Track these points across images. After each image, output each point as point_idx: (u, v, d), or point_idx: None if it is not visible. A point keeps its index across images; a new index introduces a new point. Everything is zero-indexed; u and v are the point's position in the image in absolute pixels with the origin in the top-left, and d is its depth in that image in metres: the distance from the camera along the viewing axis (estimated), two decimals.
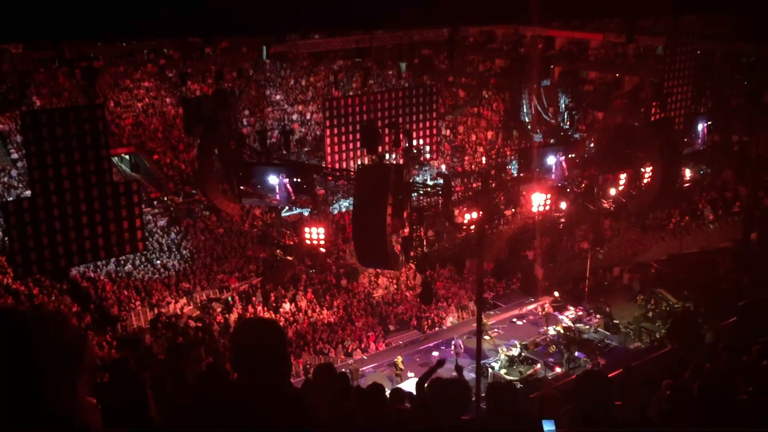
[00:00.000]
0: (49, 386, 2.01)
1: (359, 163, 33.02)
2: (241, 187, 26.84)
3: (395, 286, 33.04)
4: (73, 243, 21.48)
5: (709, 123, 32.21)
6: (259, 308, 29.88)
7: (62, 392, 2.02)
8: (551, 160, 27.80)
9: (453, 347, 29.01)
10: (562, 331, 29.46)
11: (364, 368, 27.34)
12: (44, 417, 2.01)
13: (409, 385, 24.30)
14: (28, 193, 25.50)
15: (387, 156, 35.21)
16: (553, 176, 27.77)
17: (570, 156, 28.05)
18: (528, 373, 26.53)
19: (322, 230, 26.95)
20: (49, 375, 2.01)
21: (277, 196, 26.37)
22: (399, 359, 27.35)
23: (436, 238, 28.68)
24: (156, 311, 28.65)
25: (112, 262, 29.58)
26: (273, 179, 26.14)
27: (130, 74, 39.96)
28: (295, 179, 25.84)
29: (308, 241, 27.18)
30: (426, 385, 5.61)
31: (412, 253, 25.40)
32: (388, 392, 9.92)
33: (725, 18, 35.87)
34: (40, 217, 20.78)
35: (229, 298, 30.19)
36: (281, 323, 28.98)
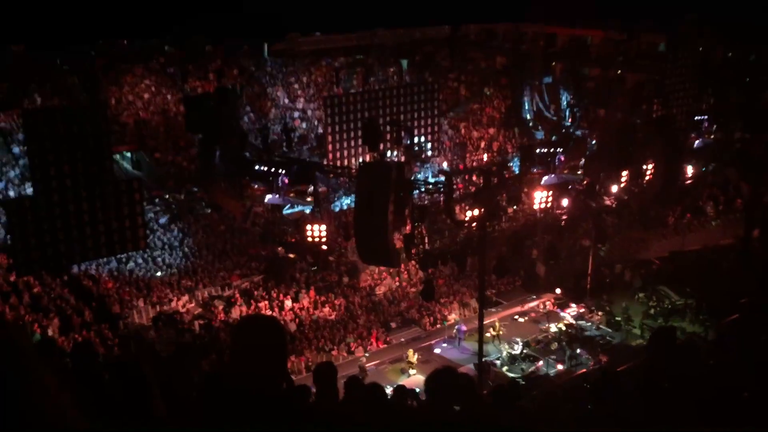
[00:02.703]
0: None
1: (361, 160, 33.05)
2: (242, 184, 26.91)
3: (397, 283, 33.07)
4: (75, 241, 21.53)
5: (705, 117, 32.07)
6: (262, 305, 29.92)
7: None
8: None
9: (455, 332, 29.28)
10: (564, 328, 29.48)
11: (368, 365, 27.39)
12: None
13: (413, 382, 24.39)
14: (30, 191, 25.54)
15: (388, 153, 35.24)
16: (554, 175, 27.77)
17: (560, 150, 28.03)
18: (530, 370, 26.55)
19: (323, 228, 26.96)
20: None
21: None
22: (411, 352, 27.45)
23: (436, 235, 28.73)
24: (158, 309, 28.69)
25: (114, 259, 29.61)
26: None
27: (132, 72, 39.94)
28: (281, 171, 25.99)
29: (310, 239, 27.20)
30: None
31: (413, 251, 25.40)
32: (390, 390, 9.93)
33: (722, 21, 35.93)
34: (42, 215, 20.82)
35: (231, 296, 30.23)
36: (285, 320, 29.07)
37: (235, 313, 29.17)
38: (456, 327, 29.64)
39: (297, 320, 29.73)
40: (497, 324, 29.50)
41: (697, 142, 32.77)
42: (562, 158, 27.75)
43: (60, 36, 36.90)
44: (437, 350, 29.00)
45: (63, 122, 20.79)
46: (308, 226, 27.25)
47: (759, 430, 5.40)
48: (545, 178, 27.71)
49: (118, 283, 29.48)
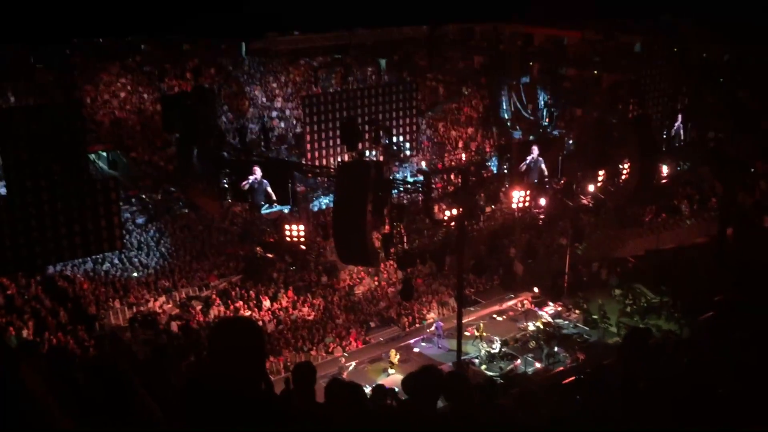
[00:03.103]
0: None
1: (339, 160, 33.00)
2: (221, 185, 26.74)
3: (376, 282, 33.08)
4: (50, 241, 21.27)
5: (681, 118, 32.50)
6: (240, 305, 29.77)
7: None
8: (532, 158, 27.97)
9: (434, 329, 29.45)
10: (541, 327, 29.70)
11: (347, 365, 27.38)
12: None
13: (392, 381, 24.43)
14: (3, 191, 25.18)
15: (367, 153, 35.22)
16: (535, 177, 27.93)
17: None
18: (508, 368, 26.71)
19: (302, 227, 26.91)
20: None
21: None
22: (393, 351, 27.55)
23: (415, 234, 28.74)
24: (134, 310, 28.44)
25: (90, 260, 29.30)
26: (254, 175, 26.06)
27: (108, 70, 39.53)
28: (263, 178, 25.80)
29: (288, 239, 27.13)
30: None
31: (392, 250, 25.44)
32: (369, 390, 9.94)
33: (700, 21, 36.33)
34: (16, 215, 20.54)
35: (209, 296, 30.05)
36: (263, 320, 28.98)
37: (213, 313, 29.02)
38: (434, 324, 29.82)
39: (275, 320, 29.64)
40: (481, 325, 29.59)
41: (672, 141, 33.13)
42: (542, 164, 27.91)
43: (34, 33, 36.38)
44: (416, 349, 29.08)
45: (37, 121, 20.54)
46: (287, 226, 27.18)
47: (734, 428, 5.47)
48: None
49: (94, 284, 29.18)
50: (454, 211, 25.76)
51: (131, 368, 5.39)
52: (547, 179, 28.31)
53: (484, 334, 29.16)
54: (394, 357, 27.34)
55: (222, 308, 29.42)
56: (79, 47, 39.13)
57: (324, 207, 35.12)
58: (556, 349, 27.76)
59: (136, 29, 40.21)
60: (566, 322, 30.44)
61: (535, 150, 27.72)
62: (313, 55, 44.97)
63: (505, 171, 28.07)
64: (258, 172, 25.96)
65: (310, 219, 33.77)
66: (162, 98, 32.25)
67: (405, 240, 26.10)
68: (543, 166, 27.85)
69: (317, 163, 33.75)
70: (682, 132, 33.55)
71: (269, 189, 25.86)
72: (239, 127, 34.86)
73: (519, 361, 27.14)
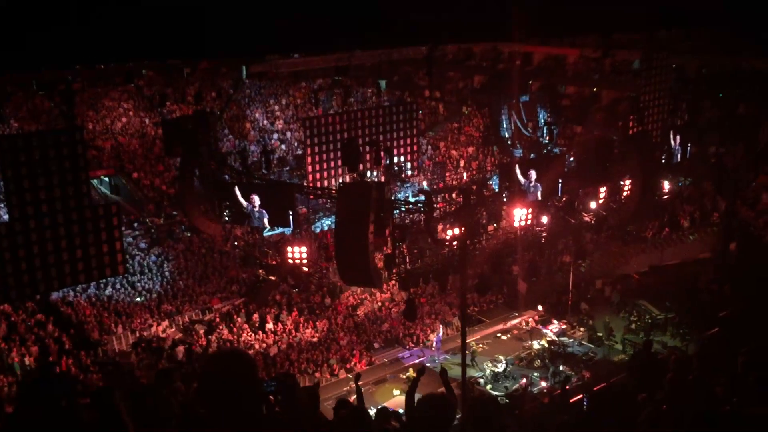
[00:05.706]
0: None
1: (340, 181, 33.05)
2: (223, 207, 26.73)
3: (379, 303, 32.98)
4: (53, 267, 21.22)
5: (679, 135, 32.55)
6: (243, 329, 29.66)
7: None
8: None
9: (434, 344, 29.46)
10: (546, 345, 29.54)
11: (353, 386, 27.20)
12: None
13: (395, 403, 24.30)
14: (5, 217, 25.20)
15: (368, 174, 35.27)
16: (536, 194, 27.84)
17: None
18: (513, 388, 26.54)
19: (304, 249, 26.87)
20: None
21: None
22: (411, 371, 27.45)
23: (417, 254, 28.67)
24: (138, 334, 28.36)
25: (93, 285, 29.26)
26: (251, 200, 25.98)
27: (110, 96, 39.76)
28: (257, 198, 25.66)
29: (291, 261, 27.08)
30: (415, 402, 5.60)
31: (395, 270, 25.37)
32: (373, 412, 9.87)
33: (700, 33, 36.45)
34: (18, 241, 20.52)
35: (212, 320, 29.96)
36: (266, 342, 28.89)
37: (216, 336, 28.91)
38: (434, 339, 29.89)
39: (279, 343, 29.53)
40: (475, 348, 29.38)
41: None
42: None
43: (36, 59, 36.65)
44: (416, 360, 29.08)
45: (39, 147, 20.56)
46: (289, 248, 27.15)
47: None
48: None
49: (97, 310, 29.13)
50: (456, 231, 25.73)
51: (132, 394, 5.36)
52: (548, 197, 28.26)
53: (477, 357, 28.95)
54: (413, 375, 27.22)
55: (225, 331, 29.33)
56: (80, 73, 39.34)
57: (326, 228, 35.12)
58: (561, 367, 27.60)
59: (138, 54, 40.40)
60: (571, 340, 30.30)
61: (533, 174, 27.40)
62: (313, 77, 45.23)
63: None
64: (256, 201, 25.81)
65: (312, 241, 33.76)
66: (163, 122, 32.36)
67: (407, 260, 26.07)
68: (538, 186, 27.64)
69: (318, 184, 33.80)
70: (682, 147, 33.52)
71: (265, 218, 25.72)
72: (240, 150, 34.94)
73: (524, 380, 26.97)
